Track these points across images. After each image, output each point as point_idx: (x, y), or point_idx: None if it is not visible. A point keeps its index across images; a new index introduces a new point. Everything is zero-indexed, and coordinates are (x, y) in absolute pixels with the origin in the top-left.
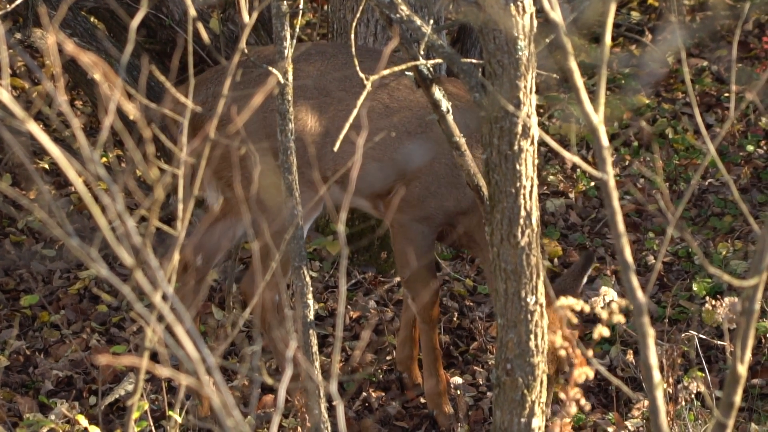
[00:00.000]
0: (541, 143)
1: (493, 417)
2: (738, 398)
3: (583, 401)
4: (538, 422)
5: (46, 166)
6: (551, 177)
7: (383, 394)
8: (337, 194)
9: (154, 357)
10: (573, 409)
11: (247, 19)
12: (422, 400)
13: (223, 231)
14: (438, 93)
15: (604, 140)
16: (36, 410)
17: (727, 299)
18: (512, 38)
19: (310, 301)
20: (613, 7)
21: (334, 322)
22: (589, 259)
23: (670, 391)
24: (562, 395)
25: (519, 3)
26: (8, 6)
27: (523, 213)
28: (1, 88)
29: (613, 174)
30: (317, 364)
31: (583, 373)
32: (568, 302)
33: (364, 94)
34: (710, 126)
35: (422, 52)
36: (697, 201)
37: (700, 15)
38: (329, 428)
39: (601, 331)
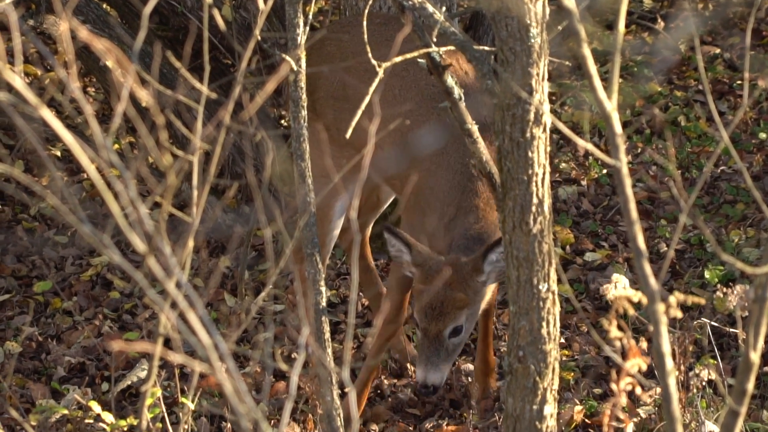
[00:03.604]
0: (554, 130)
1: (505, 404)
2: (751, 385)
3: (638, 390)
4: (550, 409)
5: (59, 153)
6: (563, 164)
7: (396, 381)
8: None
9: (167, 343)
10: (623, 400)
11: (263, 5)
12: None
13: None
14: (450, 80)
15: (617, 127)
16: (48, 397)
17: (739, 287)
18: (525, 25)
19: (323, 288)
20: None
21: (347, 309)
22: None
23: (683, 378)
24: (613, 386)
25: None
26: None
27: (535, 200)
28: (14, 75)
29: (626, 161)
30: (329, 350)
31: (635, 363)
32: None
33: (376, 81)
34: (723, 113)
35: (435, 39)
36: (710, 188)
37: (712, 2)
38: (341, 415)
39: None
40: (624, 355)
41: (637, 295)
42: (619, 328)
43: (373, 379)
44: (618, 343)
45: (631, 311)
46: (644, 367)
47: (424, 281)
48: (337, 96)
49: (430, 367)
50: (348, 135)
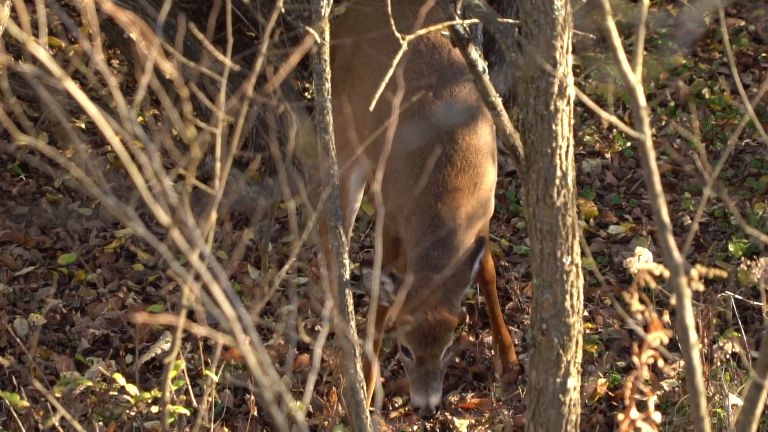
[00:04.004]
0: (578, 103)
1: (528, 377)
2: None
3: (661, 363)
4: (573, 382)
5: (83, 125)
6: (587, 137)
7: None
8: None
9: (191, 316)
10: (645, 373)
11: None
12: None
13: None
14: (474, 53)
15: (642, 100)
16: (73, 368)
17: (763, 259)
18: None
19: (346, 261)
20: None
21: None
22: (480, 244)
23: (706, 351)
24: (635, 359)
25: None
26: None
27: (558, 173)
28: (39, 47)
29: (650, 134)
30: (353, 323)
31: (657, 336)
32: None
33: (400, 54)
34: (747, 86)
35: (459, 12)
36: (734, 161)
37: None
38: (365, 387)
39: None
40: (647, 328)
41: (659, 268)
42: (641, 301)
43: (377, 354)
44: (640, 316)
45: (653, 284)
46: (666, 340)
47: (409, 310)
48: (344, 67)
49: (432, 392)
50: (372, 108)
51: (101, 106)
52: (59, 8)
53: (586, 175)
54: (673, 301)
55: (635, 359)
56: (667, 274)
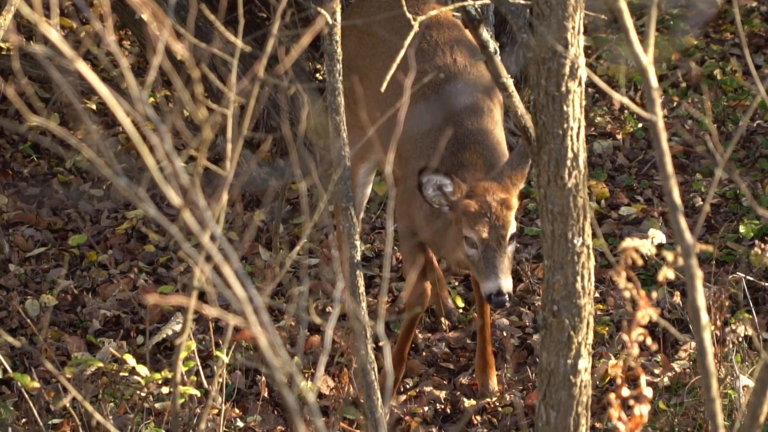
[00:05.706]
0: (589, 84)
1: (539, 358)
2: None
3: (649, 341)
4: (584, 364)
5: (94, 106)
6: (599, 118)
7: (430, 335)
8: None
9: (202, 297)
10: (636, 351)
11: None
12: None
13: None
14: (485, 34)
15: (653, 81)
16: (84, 349)
17: None
18: None
19: (357, 242)
20: None
21: (381, 263)
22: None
23: (718, 333)
24: (625, 337)
25: None
26: None
27: (570, 154)
28: (50, 28)
29: (662, 115)
30: (364, 304)
31: (646, 314)
32: (633, 243)
33: (411, 34)
34: (759, 67)
35: None
36: (746, 142)
37: None
38: (376, 369)
39: (666, 273)
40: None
41: (645, 246)
42: (629, 279)
43: (413, 332)
44: (627, 294)
45: (640, 262)
46: (654, 318)
47: (472, 196)
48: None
49: (502, 276)
50: (383, 89)
51: (113, 86)
52: None
53: (598, 156)
54: (660, 277)
55: (624, 337)
56: (653, 252)
